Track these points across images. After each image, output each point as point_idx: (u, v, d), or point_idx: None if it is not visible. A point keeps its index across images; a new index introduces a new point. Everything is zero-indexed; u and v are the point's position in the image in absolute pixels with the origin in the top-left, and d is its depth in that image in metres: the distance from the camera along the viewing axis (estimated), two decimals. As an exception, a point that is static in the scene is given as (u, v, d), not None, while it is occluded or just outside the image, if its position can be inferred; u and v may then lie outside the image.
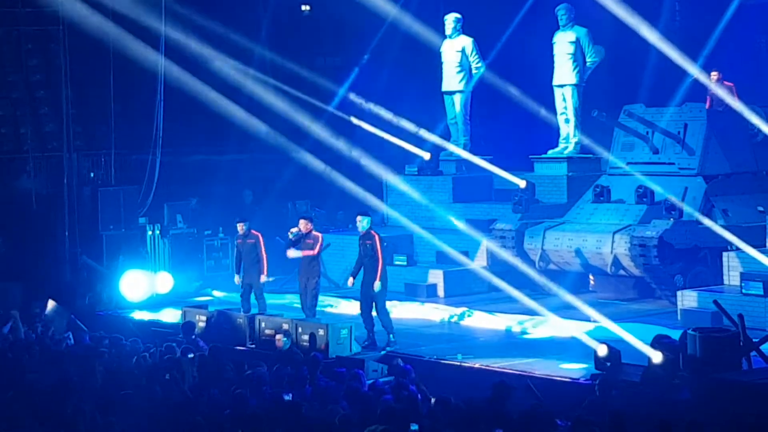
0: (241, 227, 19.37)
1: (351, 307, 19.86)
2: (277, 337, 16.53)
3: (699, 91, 21.80)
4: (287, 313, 18.57)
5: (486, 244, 21.20)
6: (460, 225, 21.64)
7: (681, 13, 24.12)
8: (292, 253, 18.63)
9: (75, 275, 22.39)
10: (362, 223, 17.49)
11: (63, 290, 21.74)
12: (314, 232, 18.70)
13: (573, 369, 15.34)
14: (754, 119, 19.79)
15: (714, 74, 21.22)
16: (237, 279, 19.36)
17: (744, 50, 21.93)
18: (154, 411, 12.16)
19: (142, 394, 12.89)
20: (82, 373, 14.13)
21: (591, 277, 20.73)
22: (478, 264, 21.39)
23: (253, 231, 19.38)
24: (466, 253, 21.69)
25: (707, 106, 21.06)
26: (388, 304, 20.25)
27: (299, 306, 19.85)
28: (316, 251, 18.55)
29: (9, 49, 23.50)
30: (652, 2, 23.44)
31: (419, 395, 13.26)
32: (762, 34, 22.11)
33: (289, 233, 18.86)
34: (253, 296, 19.16)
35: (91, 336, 17.52)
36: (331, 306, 20.55)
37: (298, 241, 18.64)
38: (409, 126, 23.71)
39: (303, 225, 18.66)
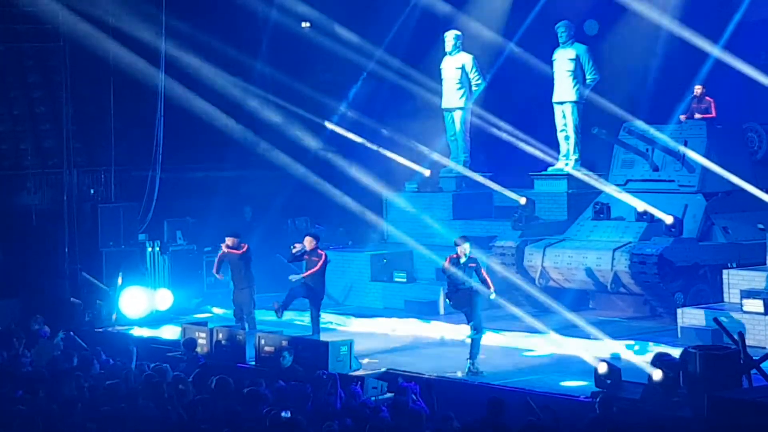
0: (232, 241, 19.25)
1: (358, 325, 19.99)
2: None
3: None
4: (287, 330, 18.55)
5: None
6: None
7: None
8: (294, 277, 18.56)
9: (74, 292, 22.35)
10: (468, 248, 16.74)
11: (62, 307, 21.72)
12: (319, 250, 18.60)
13: (573, 386, 15.32)
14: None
15: (698, 88, 21.17)
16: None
17: (743, 67, 21.92)
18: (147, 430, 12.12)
19: (130, 413, 12.82)
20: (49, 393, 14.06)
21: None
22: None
23: (242, 243, 19.34)
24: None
25: (684, 118, 21.02)
26: (390, 322, 20.34)
27: (300, 323, 19.84)
28: (318, 268, 18.49)
29: (10, 65, 23.51)
30: (652, 20, 23.47)
31: (425, 412, 13.22)
32: (761, 51, 22.12)
33: (292, 248, 18.77)
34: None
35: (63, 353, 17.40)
36: (330, 323, 20.51)
37: (301, 257, 18.59)
38: (412, 144, 23.67)
39: (308, 242, 18.56)
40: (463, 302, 16.80)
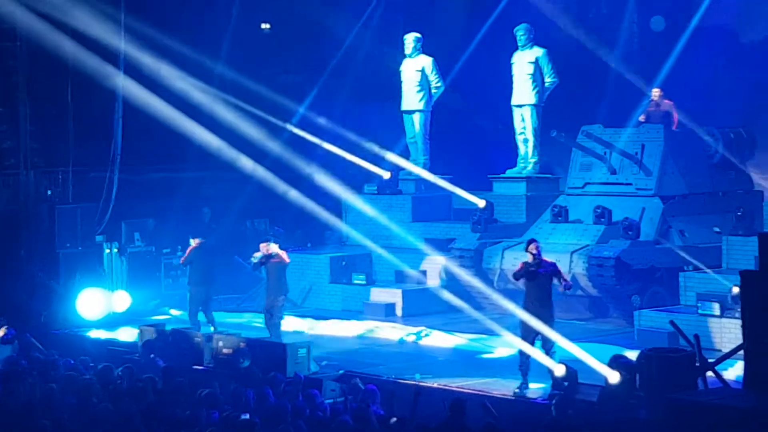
0: (196, 242, 19.42)
1: (317, 327, 19.96)
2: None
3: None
4: (245, 332, 18.49)
5: (444, 262, 21.23)
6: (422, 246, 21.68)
7: (639, 35, 24.32)
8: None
9: (31, 293, 22.18)
10: (537, 250, 15.75)
11: (19, 309, 21.53)
12: (276, 251, 18.56)
13: (530, 389, 15.37)
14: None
15: (656, 91, 21.31)
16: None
17: (700, 72, 22.12)
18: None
19: (87, 414, 12.75)
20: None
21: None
22: (435, 283, 21.42)
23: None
24: (424, 273, 21.72)
25: (642, 119, 21.16)
26: (349, 324, 20.33)
27: (260, 325, 19.77)
28: (287, 259, 18.45)
29: (-34, 65, 23.31)
30: (610, 24, 23.64)
31: (384, 415, 13.22)
32: (718, 56, 22.32)
33: (252, 258, 18.72)
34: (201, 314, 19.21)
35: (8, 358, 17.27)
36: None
37: (265, 263, 18.51)
38: (370, 146, 23.68)
39: (264, 248, 18.55)
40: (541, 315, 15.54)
